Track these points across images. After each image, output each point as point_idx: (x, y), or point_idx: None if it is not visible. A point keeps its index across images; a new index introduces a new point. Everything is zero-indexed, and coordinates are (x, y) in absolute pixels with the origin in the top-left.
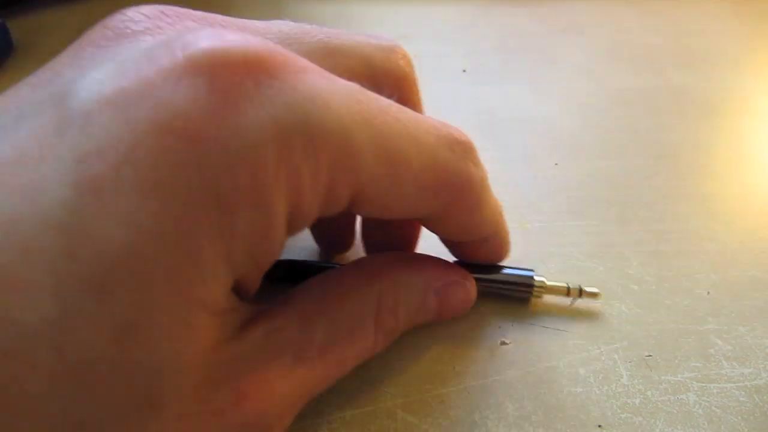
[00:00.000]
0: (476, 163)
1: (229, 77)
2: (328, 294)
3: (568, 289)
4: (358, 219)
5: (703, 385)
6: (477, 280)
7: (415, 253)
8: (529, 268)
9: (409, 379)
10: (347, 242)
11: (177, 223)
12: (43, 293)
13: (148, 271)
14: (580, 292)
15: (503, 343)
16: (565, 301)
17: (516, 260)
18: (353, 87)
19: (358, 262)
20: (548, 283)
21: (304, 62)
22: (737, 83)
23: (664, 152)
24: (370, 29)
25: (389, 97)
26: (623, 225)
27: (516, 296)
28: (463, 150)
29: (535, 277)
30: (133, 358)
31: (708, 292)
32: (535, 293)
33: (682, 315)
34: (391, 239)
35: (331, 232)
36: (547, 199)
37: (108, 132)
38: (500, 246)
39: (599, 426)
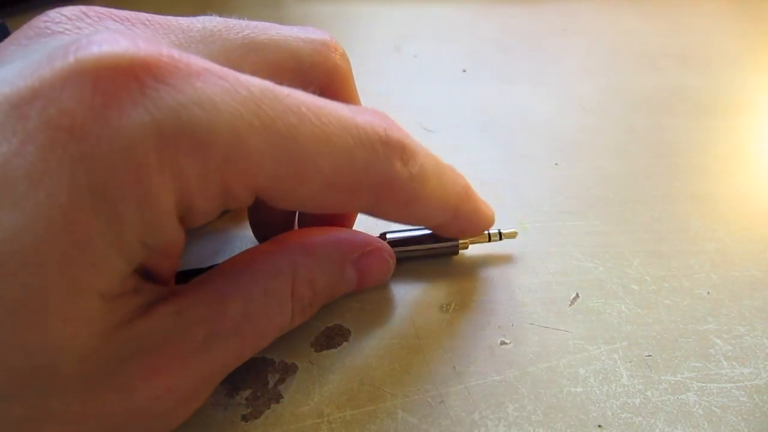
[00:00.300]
0: (405, 160)
1: (113, 80)
2: (242, 271)
3: (488, 235)
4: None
5: (703, 385)
6: (402, 247)
7: (330, 227)
8: None
9: (409, 379)
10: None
11: (63, 211)
12: None
13: (37, 254)
14: (500, 236)
15: (503, 343)
16: (565, 300)
17: (516, 259)
18: (256, 88)
19: (273, 240)
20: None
21: (200, 65)
22: (737, 83)
23: (664, 152)
24: (370, 29)
25: (315, 91)
26: (623, 225)
27: (443, 253)
28: (389, 150)
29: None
30: (25, 339)
31: (708, 292)
32: (461, 245)
33: (682, 315)
34: (323, 220)
35: (267, 223)
36: (547, 199)
37: (2, 127)
38: (469, 223)
39: (599, 426)
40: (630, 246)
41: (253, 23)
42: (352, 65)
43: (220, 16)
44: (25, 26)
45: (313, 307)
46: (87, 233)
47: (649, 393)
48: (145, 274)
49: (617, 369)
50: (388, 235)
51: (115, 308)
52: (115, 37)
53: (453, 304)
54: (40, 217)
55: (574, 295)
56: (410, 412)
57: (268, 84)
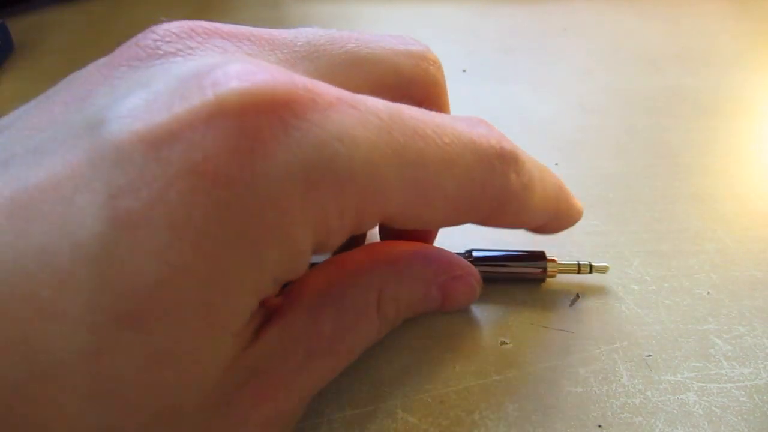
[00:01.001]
0: (518, 171)
1: (257, 121)
2: (333, 284)
3: (579, 266)
4: None
5: (703, 385)
6: (488, 268)
7: (419, 244)
8: (539, 250)
9: (409, 379)
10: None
11: (206, 260)
12: (79, 325)
13: (179, 304)
14: (590, 268)
15: (503, 343)
16: (565, 300)
17: None
18: (385, 114)
19: (360, 250)
20: (559, 261)
21: (331, 95)
22: (737, 83)
23: (664, 152)
24: (370, 29)
25: (418, 104)
26: (623, 225)
27: (529, 278)
28: (505, 164)
29: (548, 257)
30: (162, 382)
31: (708, 292)
32: (549, 273)
33: (682, 315)
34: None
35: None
36: None
37: (140, 170)
38: (567, 219)
39: (599, 426)
40: (630, 246)
41: (355, 35)
42: None
43: (321, 29)
44: (131, 43)
45: (395, 322)
46: (229, 281)
47: (649, 393)
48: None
49: (617, 369)
50: (475, 253)
51: (239, 341)
52: (251, 69)
53: None
54: (184, 269)
55: (574, 295)
56: (410, 412)
57: (393, 107)
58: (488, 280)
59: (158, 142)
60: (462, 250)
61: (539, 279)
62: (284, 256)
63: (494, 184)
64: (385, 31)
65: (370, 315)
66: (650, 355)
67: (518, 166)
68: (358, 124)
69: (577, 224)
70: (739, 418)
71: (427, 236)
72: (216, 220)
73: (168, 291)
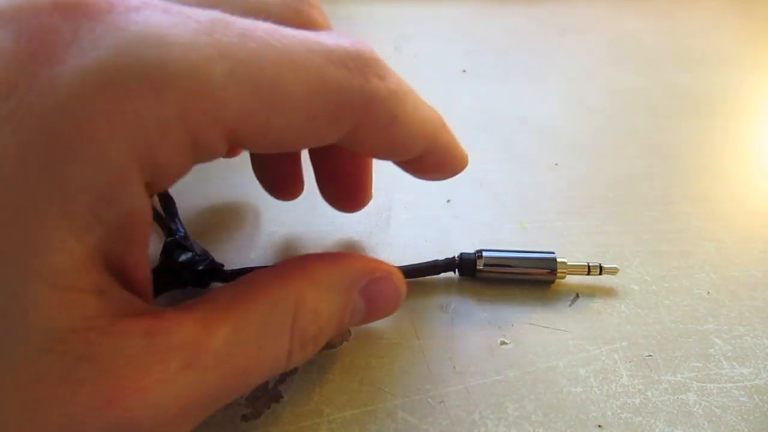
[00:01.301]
0: (382, 75)
1: (39, 24)
2: (237, 298)
3: (589, 267)
4: (305, 156)
5: (703, 385)
6: (499, 269)
7: (336, 252)
8: (549, 251)
9: (409, 379)
10: (293, 185)
11: None
12: None
13: None
14: (600, 270)
15: (503, 343)
16: (565, 300)
17: None
18: (205, 16)
19: (276, 265)
20: (569, 263)
21: None
22: (737, 83)
23: (664, 152)
24: (370, 29)
25: None
26: (623, 225)
27: (540, 280)
28: (362, 64)
29: (557, 259)
30: None
31: (708, 292)
32: (558, 275)
33: (682, 315)
34: (342, 174)
35: (273, 172)
36: (547, 199)
37: None
38: (448, 156)
39: (599, 426)
40: (630, 246)
41: None
42: None
43: None
44: None
45: (316, 342)
46: (27, 206)
47: (649, 393)
48: (115, 274)
49: (617, 369)
50: (485, 254)
51: (68, 305)
52: None
53: (453, 304)
54: None
55: (574, 295)
56: (410, 412)
57: (216, 13)
58: (497, 281)
59: None
60: (471, 250)
61: (549, 280)
62: (95, 177)
63: (353, 86)
64: (384, 30)
65: (280, 335)
66: (650, 355)
67: (380, 70)
68: (170, 26)
69: (577, 224)
70: (739, 418)
71: (363, 167)
72: (6, 136)
73: None
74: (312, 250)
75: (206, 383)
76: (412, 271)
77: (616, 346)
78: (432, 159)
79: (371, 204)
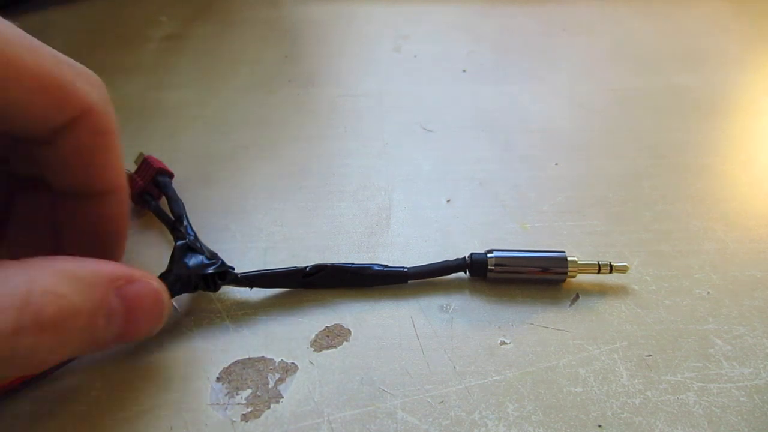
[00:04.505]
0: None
1: None
2: None
3: (599, 266)
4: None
5: (703, 385)
6: (510, 269)
7: (97, 258)
8: (559, 250)
9: (409, 379)
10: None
11: None
12: None
13: None
14: (611, 268)
15: (503, 343)
16: (565, 300)
17: None
18: None
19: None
20: (579, 262)
21: None
22: (737, 83)
23: (664, 152)
24: (370, 29)
25: None
26: (623, 225)
27: (550, 279)
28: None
29: (568, 258)
30: None
31: (708, 292)
32: (569, 274)
33: (682, 315)
34: (93, 224)
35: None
36: (547, 199)
37: None
38: (124, 206)
39: (599, 426)
40: (630, 246)
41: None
42: (352, 64)
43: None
44: None
45: (63, 329)
46: None
47: (649, 393)
48: None
49: (617, 369)
50: (495, 253)
51: None
52: None
53: (453, 304)
54: None
55: (574, 295)
56: (410, 412)
57: None
58: (508, 281)
59: None
60: (482, 250)
61: (560, 280)
62: None
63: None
64: (384, 31)
65: (5, 305)
66: (650, 355)
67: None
68: None
69: (577, 224)
70: (739, 418)
71: (117, 246)
72: None
73: None
74: (312, 250)
75: None
76: (424, 272)
77: (616, 346)
78: (117, 200)
79: (371, 204)
